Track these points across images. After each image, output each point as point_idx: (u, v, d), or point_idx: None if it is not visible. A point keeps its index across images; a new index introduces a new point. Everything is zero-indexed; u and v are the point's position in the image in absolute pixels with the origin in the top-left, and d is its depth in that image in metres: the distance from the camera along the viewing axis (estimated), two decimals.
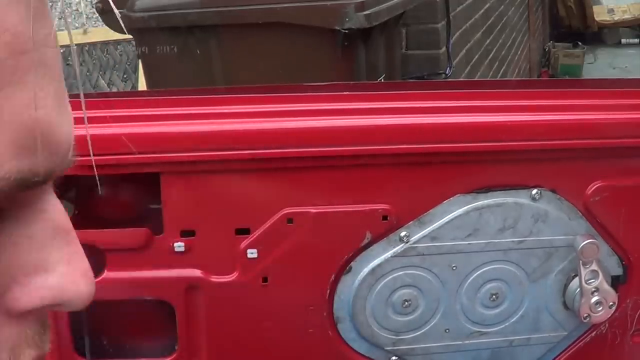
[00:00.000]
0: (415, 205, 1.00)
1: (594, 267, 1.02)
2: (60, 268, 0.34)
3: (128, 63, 4.25)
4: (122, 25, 1.99)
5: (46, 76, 0.32)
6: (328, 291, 1.02)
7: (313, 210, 0.98)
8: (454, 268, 1.03)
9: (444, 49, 2.74)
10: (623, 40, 8.57)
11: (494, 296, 1.05)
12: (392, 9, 2.11)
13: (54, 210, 0.35)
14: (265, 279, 1.00)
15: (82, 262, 0.35)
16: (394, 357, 1.06)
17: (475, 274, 1.04)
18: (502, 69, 4.38)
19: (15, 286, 0.34)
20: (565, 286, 1.06)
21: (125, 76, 4.26)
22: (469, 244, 1.02)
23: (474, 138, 0.99)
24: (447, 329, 1.06)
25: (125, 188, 1.04)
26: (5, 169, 0.30)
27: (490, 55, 3.98)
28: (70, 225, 0.36)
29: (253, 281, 1.00)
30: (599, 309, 1.03)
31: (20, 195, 0.33)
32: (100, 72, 4.20)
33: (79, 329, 1.04)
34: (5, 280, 0.33)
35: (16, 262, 0.34)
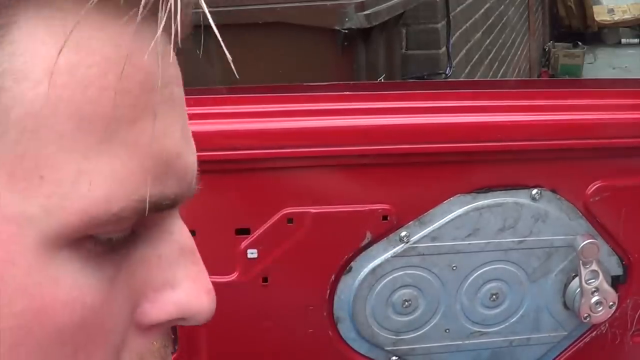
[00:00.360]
0: (416, 205, 1.00)
1: (594, 267, 1.02)
2: (186, 285, 0.38)
3: None
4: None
5: (174, 111, 0.36)
6: (328, 291, 1.02)
7: (313, 210, 0.98)
8: (454, 268, 1.03)
9: (444, 49, 2.75)
10: (623, 40, 8.58)
11: (494, 296, 1.05)
12: (392, 9, 2.11)
13: (180, 232, 0.39)
14: (265, 279, 1.00)
15: (206, 281, 0.39)
16: (394, 357, 1.06)
17: (476, 274, 1.04)
18: (502, 69, 4.38)
19: (145, 301, 0.37)
20: (566, 286, 1.06)
21: None
22: (469, 244, 1.02)
23: (474, 138, 0.99)
24: (447, 329, 1.06)
25: None
26: (140, 193, 0.34)
27: (490, 55, 3.98)
28: (194, 246, 0.40)
29: (253, 281, 1.00)
30: (599, 309, 1.03)
31: (151, 218, 0.36)
32: None
33: None
34: (137, 296, 0.37)
35: (146, 279, 0.37)
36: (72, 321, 0.33)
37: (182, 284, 0.38)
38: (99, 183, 0.32)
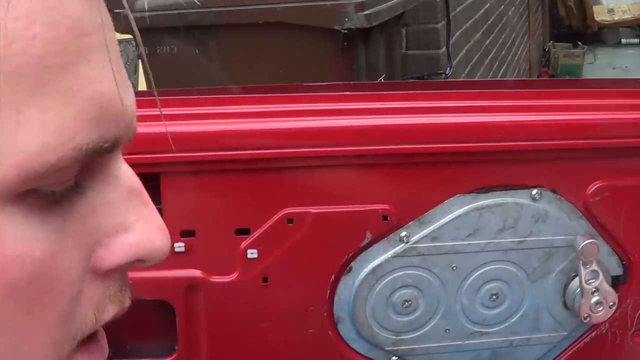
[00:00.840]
0: (416, 205, 1.00)
1: (594, 267, 1.02)
2: (138, 226, 0.38)
3: (128, 63, 4.25)
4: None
5: (106, 55, 0.36)
6: (328, 291, 1.02)
7: (313, 210, 0.98)
8: (454, 268, 1.03)
9: (444, 49, 2.75)
10: (623, 40, 8.58)
11: (494, 296, 1.05)
12: (392, 9, 2.11)
13: (126, 175, 0.39)
14: (265, 279, 1.00)
15: (158, 220, 0.39)
16: (394, 357, 1.06)
17: (476, 274, 1.04)
18: (502, 69, 4.38)
19: (99, 248, 0.37)
20: (566, 286, 1.06)
21: None
22: (469, 244, 1.02)
23: (474, 138, 0.99)
24: (447, 329, 1.06)
25: None
26: (77, 140, 0.33)
27: (490, 55, 3.98)
28: (142, 186, 0.40)
29: (253, 281, 1.00)
30: (599, 309, 1.03)
31: (94, 165, 0.36)
32: None
33: None
34: (90, 244, 0.37)
35: (98, 226, 0.37)
36: (22, 276, 0.33)
37: (134, 225, 0.38)
38: (34, 136, 0.32)
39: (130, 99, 0.38)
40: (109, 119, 0.35)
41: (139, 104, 1.10)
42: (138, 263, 0.39)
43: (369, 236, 1.00)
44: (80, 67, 0.34)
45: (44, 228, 0.34)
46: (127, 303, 0.40)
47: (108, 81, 0.35)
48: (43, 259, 0.34)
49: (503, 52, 4.46)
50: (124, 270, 0.39)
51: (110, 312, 0.39)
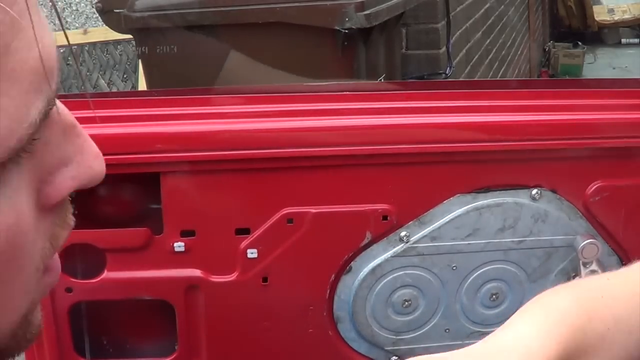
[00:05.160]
0: (415, 205, 1.00)
1: (594, 267, 1.02)
2: (76, 158, 0.40)
3: (128, 63, 4.25)
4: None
5: (39, 16, 0.35)
6: (328, 291, 1.02)
7: (313, 210, 0.98)
8: (454, 268, 1.03)
9: (444, 49, 2.75)
10: (623, 40, 8.58)
11: (494, 296, 1.05)
12: (392, 9, 2.11)
13: (59, 113, 0.39)
14: (265, 279, 1.00)
15: (92, 147, 0.41)
16: (394, 357, 1.06)
17: (475, 274, 1.04)
18: (502, 69, 4.38)
19: (45, 186, 0.39)
20: None
21: (125, 76, 4.26)
22: (469, 244, 1.02)
23: (474, 138, 0.99)
24: (447, 329, 1.06)
25: (125, 188, 1.04)
26: (31, 115, 0.34)
27: (490, 55, 3.98)
28: (74, 119, 0.41)
29: (253, 281, 1.00)
30: None
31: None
32: (100, 72, 4.20)
33: (79, 329, 1.04)
34: (37, 185, 0.38)
35: (42, 167, 0.39)
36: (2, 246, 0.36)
37: (73, 158, 0.40)
38: None
39: (50, 38, 0.37)
40: (51, 78, 0.35)
41: (139, 104, 1.10)
42: (80, 188, 0.41)
43: (369, 236, 1.00)
44: (16, 42, 0.33)
45: (6, 194, 0.36)
46: (73, 222, 0.43)
47: (40, 39, 0.35)
48: (13, 224, 0.36)
49: (503, 52, 4.46)
50: (66, 199, 0.42)
51: (62, 237, 0.42)
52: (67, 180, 0.40)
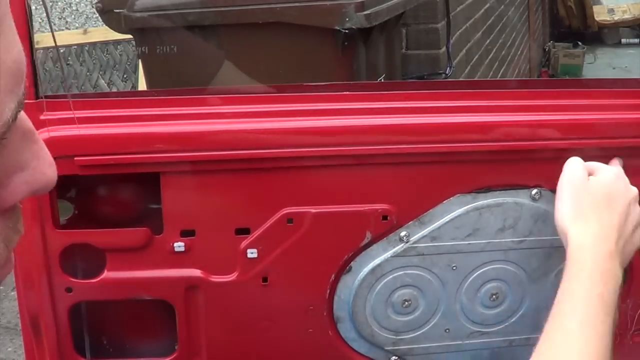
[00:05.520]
0: (415, 205, 1.00)
1: None
2: (32, 164, 0.41)
3: (128, 63, 4.25)
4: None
5: (9, 19, 0.35)
6: (328, 291, 1.02)
7: (313, 210, 0.98)
8: (454, 268, 1.03)
9: (444, 49, 2.74)
10: (623, 40, 8.57)
11: (494, 296, 1.05)
12: (392, 9, 2.11)
13: (20, 118, 0.39)
14: (265, 279, 1.00)
15: (47, 155, 0.42)
16: (394, 357, 1.06)
17: (475, 274, 1.04)
18: (502, 69, 4.38)
19: (0, 189, 0.39)
20: None
21: (125, 76, 4.26)
22: (469, 243, 1.02)
23: (474, 138, 0.99)
24: (447, 329, 1.06)
25: (125, 188, 1.04)
26: (5, 115, 0.35)
27: (490, 55, 3.98)
28: (32, 125, 0.41)
29: (253, 281, 1.00)
30: None
31: None
32: (100, 72, 4.21)
33: (79, 329, 1.04)
34: None
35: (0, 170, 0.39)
36: None
37: (29, 163, 0.40)
38: None
39: (20, 43, 0.37)
40: (21, 79, 0.36)
41: (139, 104, 1.10)
42: (31, 195, 0.42)
43: (368, 236, 1.00)
44: None
45: None
46: (23, 230, 0.43)
47: (16, 44, 0.35)
48: None
49: (503, 52, 4.46)
50: (18, 205, 0.42)
51: (15, 241, 0.42)
52: (21, 185, 0.40)
